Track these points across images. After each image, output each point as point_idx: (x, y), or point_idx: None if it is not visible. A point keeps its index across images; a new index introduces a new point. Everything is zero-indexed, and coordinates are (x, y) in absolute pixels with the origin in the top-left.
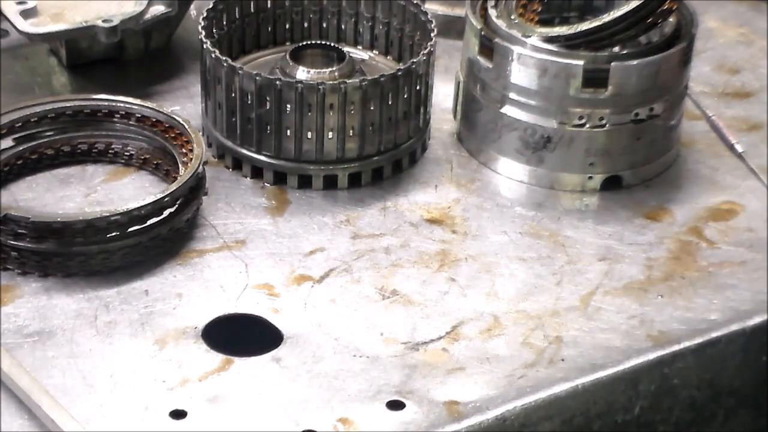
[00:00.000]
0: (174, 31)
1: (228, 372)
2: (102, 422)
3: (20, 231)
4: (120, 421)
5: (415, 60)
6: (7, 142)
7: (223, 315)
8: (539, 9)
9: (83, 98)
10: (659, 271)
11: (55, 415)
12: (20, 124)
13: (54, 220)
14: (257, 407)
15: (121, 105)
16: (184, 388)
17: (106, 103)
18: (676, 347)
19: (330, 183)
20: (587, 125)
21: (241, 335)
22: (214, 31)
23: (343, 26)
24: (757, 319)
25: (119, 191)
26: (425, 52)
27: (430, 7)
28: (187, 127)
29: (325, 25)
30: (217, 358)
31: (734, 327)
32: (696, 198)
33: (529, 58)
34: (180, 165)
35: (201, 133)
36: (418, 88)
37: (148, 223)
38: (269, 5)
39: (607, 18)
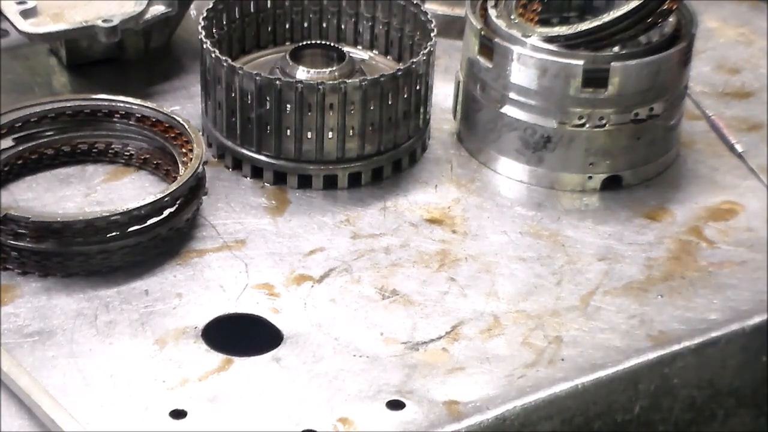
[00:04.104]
0: (174, 31)
1: (228, 372)
2: (102, 422)
3: (20, 231)
4: (120, 421)
5: (415, 60)
6: (7, 142)
7: (223, 315)
8: (539, 9)
9: (83, 98)
10: (659, 271)
11: (55, 415)
12: (20, 124)
13: (54, 220)
14: (257, 407)
15: (121, 105)
16: (184, 388)
17: (106, 103)
18: (676, 347)
19: (330, 183)
20: (587, 125)
21: (241, 335)
22: (214, 31)
23: (343, 26)
24: (757, 319)
25: (119, 191)
26: (425, 52)
27: (430, 7)
28: (187, 127)
29: (325, 25)
30: (217, 358)
31: (734, 327)
32: (696, 198)
33: (529, 58)
34: (180, 165)
35: (201, 133)
36: (418, 88)
37: (148, 223)
38: (269, 5)
39: (607, 18)
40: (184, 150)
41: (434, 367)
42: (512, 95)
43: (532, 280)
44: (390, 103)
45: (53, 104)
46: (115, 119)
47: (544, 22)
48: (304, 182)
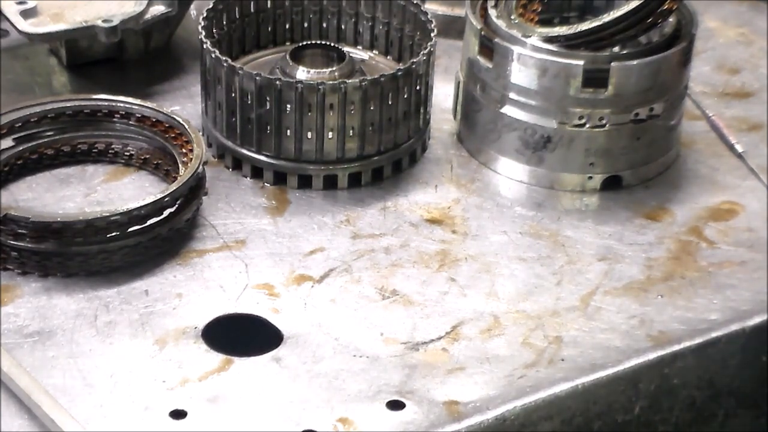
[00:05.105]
0: (174, 31)
1: (228, 372)
2: (102, 422)
3: (20, 231)
4: (120, 421)
5: (415, 60)
6: (7, 142)
7: (223, 315)
8: (539, 9)
9: (83, 98)
10: (659, 271)
11: (55, 415)
12: (20, 124)
13: (54, 220)
14: (257, 407)
15: (121, 105)
16: (184, 388)
17: (106, 103)
18: (676, 347)
19: (330, 183)
20: (587, 125)
21: (241, 335)
22: (214, 31)
23: (343, 26)
24: (757, 319)
25: (119, 191)
26: (425, 52)
27: (430, 7)
28: (187, 127)
29: (325, 25)
30: (217, 358)
31: (734, 327)
32: (696, 198)
33: (529, 58)
34: (180, 165)
35: (201, 133)
36: (418, 88)
37: (148, 223)
38: (269, 5)
39: (607, 18)
40: (184, 150)
41: (434, 367)
42: (512, 95)
43: (532, 280)
44: (390, 103)
45: (53, 104)
46: (115, 119)
47: (544, 22)
48: (304, 182)
